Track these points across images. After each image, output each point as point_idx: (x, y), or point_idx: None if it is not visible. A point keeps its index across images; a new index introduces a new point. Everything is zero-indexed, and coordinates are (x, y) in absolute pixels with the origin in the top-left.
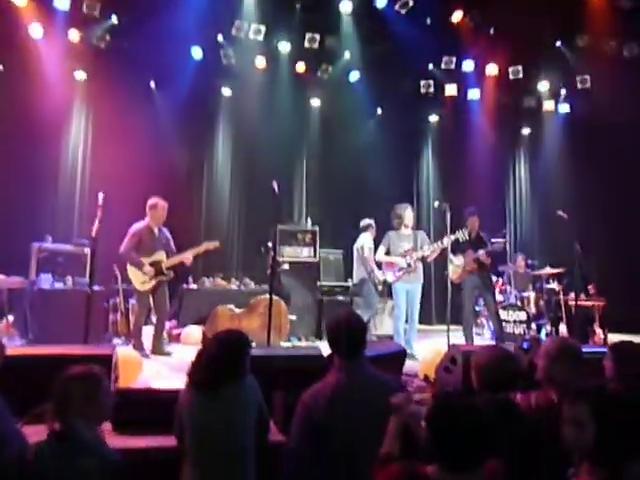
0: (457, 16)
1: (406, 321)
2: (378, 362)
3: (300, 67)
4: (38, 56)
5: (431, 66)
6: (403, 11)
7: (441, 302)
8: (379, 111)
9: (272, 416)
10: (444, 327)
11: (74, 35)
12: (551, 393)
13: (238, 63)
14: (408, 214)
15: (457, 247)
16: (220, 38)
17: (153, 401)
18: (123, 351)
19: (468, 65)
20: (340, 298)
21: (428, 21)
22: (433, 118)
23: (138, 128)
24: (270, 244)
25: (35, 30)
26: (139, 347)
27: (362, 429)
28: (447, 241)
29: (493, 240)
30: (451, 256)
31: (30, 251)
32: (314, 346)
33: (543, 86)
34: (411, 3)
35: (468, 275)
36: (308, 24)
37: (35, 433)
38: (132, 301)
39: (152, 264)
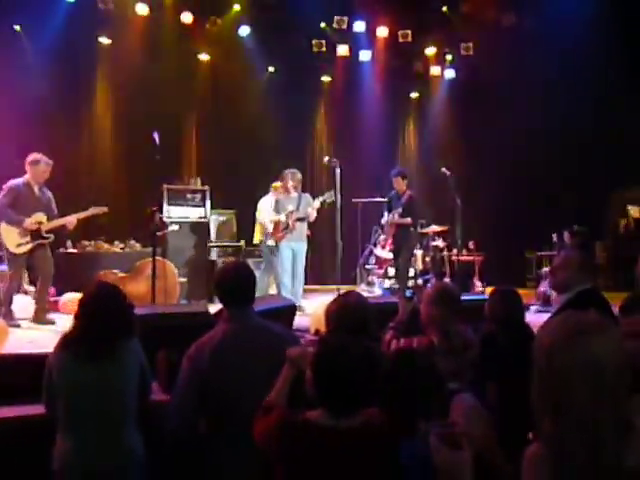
0: None
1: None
2: (267, 316)
3: (186, 17)
4: None
5: (323, 25)
6: None
7: (333, 261)
8: (271, 69)
9: (155, 376)
10: (322, 287)
11: None
12: (432, 336)
13: (117, 9)
14: (292, 179)
15: (390, 206)
16: None
17: (14, 367)
18: None
19: (359, 26)
20: (232, 259)
21: None
22: (326, 78)
23: (3, 77)
24: (155, 204)
25: None
26: (8, 316)
27: (249, 379)
28: (317, 202)
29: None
30: (385, 214)
31: None
32: (199, 303)
33: (430, 51)
34: None
35: (391, 235)
36: None
37: None
38: (0, 267)
39: None
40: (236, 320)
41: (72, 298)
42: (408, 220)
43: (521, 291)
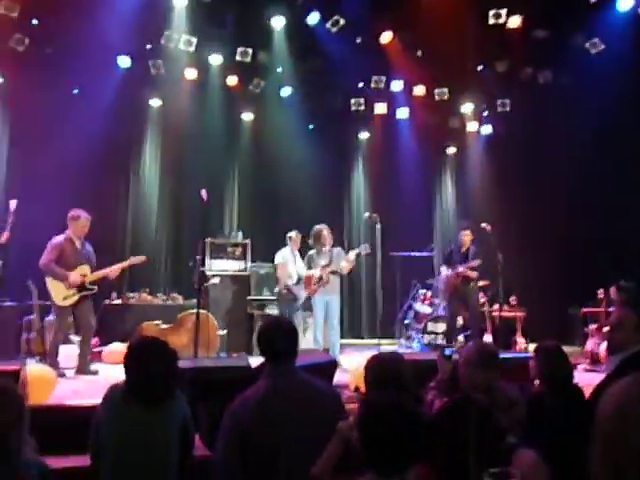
0: (386, 37)
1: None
2: (308, 372)
3: (232, 80)
4: None
5: (361, 84)
6: (334, 29)
7: (372, 315)
8: (310, 127)
9: (197, 430)
10: (375, 341)
11: None
12: (475, 395)
13: (168, 74)
14: (323, 235)
15: (450, 259)
16: (149, 47)
17: (63, 418)
18: (34, 367)
19: (397, 85)
20: (271, 312)
21: (358, 40)
22: (363, 135)
23: (61, 135)
24: (198, 257)
25: None
26: (54, 365)
27: (293, 435)
28: (352, 255)
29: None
30: (442, 267)
31: None
32: (241, 356)
33: (467, 108)
34: (342, 22)
35: (454, 288)
36: (240, 38)
37: None
38: (48, 318)
39: None
40: (279, 375)
41: (116, 348)
42: (475, 274)
43: (566, 349)
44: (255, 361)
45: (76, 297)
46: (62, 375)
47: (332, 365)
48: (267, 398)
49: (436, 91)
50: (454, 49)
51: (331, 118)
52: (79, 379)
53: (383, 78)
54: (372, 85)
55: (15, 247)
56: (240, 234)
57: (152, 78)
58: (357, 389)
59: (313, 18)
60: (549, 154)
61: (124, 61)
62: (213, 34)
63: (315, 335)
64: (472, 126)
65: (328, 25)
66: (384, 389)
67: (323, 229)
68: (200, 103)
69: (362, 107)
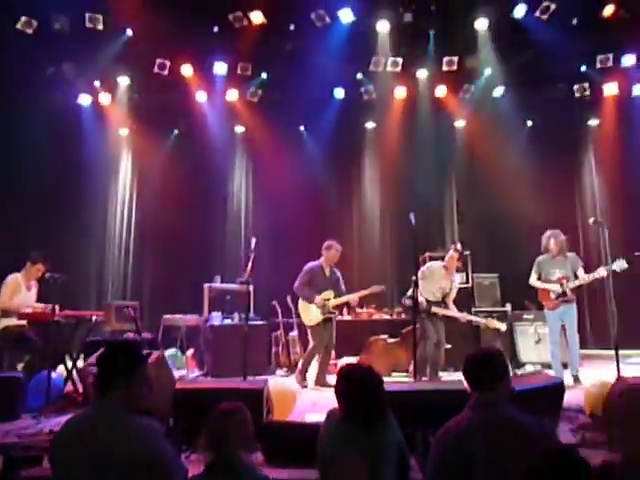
0: (608, 10)
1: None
2: (532, 397)
3: (440, 91)
4: (204, 118)
5: (584, 68)
6: (544, 17)
7: (600, 324)
8: (529, 123)
9: (413, 454)
10: (604, 352)
11: (232, 95)
12: None
13: (378, 96)
14: (552, 241)
15: None
16: (359, 76)
17: (298, 434)
18: (277, 384)
19: (628, 59)
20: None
21: (574, 22)
22: (593, 122)
23: (291, 170)
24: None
25: (200, 96)
26: (302, 378)
27: (492, 472)
28: (603, 272)
29: None
30: None
31: (203, 291)
32: (458, 380)
33: None
34: (553, 7)
35: None
36: (444, 48)
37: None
38: (291, 334)
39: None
40: (481, 408)
41: (348, 361)
42: None
43: None
44: None
45: (320, 318)
46: (305, 386)
47: (559, 389)
48: (465, 432)
49: None
50: None
51: (551, 110)
52: (318, 390)
53: (610, 56)
54: (598, 66)
55: (261, 275)
56: (459, 245)
57: (364, 103)
58: (592, 414)
59: (520, 11)
60: None
61: (339, 92)
62: (417, 50)
63: (552, 351)
64: None
65: (537, 14)
66: None
67: (552, 233)
68: (412, 118)
69: (587, 92)
